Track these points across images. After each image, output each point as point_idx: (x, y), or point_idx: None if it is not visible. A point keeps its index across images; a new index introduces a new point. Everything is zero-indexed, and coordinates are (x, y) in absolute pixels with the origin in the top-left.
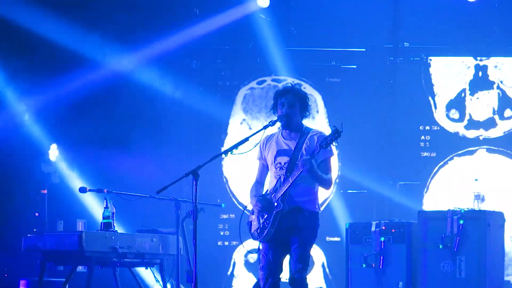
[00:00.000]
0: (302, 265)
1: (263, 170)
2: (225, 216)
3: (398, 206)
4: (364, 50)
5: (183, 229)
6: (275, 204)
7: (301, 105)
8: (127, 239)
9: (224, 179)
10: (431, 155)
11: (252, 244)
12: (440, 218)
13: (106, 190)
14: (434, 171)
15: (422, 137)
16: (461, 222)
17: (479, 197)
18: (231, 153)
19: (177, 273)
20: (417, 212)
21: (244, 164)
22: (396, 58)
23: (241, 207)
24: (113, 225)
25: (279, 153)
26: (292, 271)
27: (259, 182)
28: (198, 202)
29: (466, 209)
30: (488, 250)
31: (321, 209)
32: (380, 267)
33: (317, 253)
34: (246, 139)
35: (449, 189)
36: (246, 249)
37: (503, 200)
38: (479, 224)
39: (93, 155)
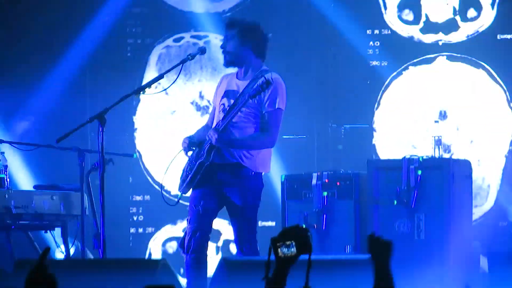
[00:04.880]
0: (249, 230)
1: (214, 113)
2: (138, 198)
3: (344, 153)
4: None
5: (88, 185)
6: (201, 152)
7: (244, 36)
8: (22, 197)
9: (137, 154)
10: (382, 64)
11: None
12: (394, 168)
13: None
14: (386, 83)
15: (371, 43)
16: (419, 172)
17: (440, 142)
18: (143, 93)
19: (82, 237)
20: (366, 161)
21: (161, 137)
22: None
23: (157, 187)
24: (6, 180)
25: (226, 93)
26: (237, 237)
27: (206, 125)
28: (106, 151)
29: (425, 157)
30: (452, 206)
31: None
32: (323, 227)
33: None
34: (161, 76)
35: (403, 105)
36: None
37: (467, 117)
38: (441, 175)
39: None
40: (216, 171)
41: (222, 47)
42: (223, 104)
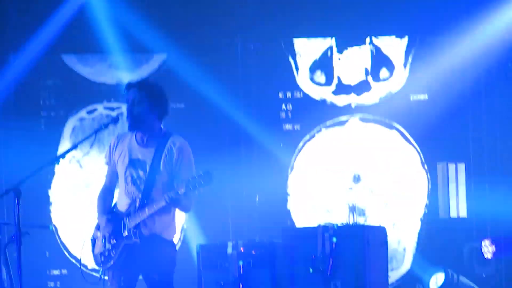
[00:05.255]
0: None
1: (113, 176)
2: (56, 272)
3: (259, 221)
4: None
5: (6, 257)
6: (126, 233)
7: (153, 101)
8: None
9: (54, 229)
10: (295, 127)
11: None
12: (309, 236)
13: None
14: (300, 146)
15: (284, 106)
16: (335, 240)
17: (354, 209)
18: (57, 163)
19: None
20: (281, 229)
21: (77, 210)
22: None
23: (75, 262)
24: None
25: (132, 164)
26: None
27: (109, 190)
28: (22, 224)
29: (340, 224)
30: (368, 274)
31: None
32: None
33: None
34: (74, 147)
35: (317, 169)
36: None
37: (381, 180)
38: (356, 242)
39: None
40: (137, 247)
41: (128, 110)
42: (132, 177)
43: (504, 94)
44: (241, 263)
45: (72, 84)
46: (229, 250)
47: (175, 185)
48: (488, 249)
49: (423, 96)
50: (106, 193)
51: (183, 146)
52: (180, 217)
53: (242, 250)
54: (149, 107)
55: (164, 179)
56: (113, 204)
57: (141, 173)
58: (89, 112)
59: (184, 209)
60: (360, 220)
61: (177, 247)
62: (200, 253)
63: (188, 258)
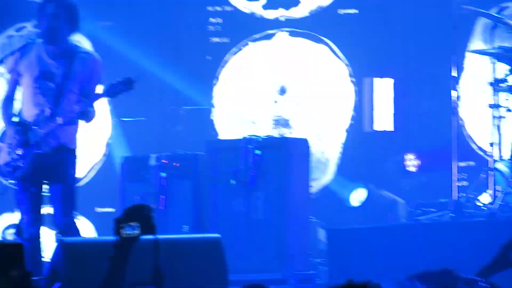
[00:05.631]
0: (70, 207)
1: (15, 85)
2: None
3: (183, 134)
4: None
5: None
6: (34, 143)
7: (68, 16)
8: None
9: None
10: (223, 41)
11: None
12: (232, 148)
13: None
14: (226, 59)
15: (212, 19)
16: (258, 152)
17: (279, 122)
18: None
19: None
20: (205, 142)
21: None
22: None
23: None
24: None
25: (43, 75)
26: (61, 216)
27: (11, 98)
28: None
29: (264, 137)
30: (291, 186)
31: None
32: (162, 207)
33: (86, 228)
34: (1, 62)
35: (242, 81)
36: None
37: (307, 93)
38: (279, 155)
39: None
40: (45, 156)
41: (45, 24)
42: (40, 88)
43: (432, 10)
44: (163, 174)
45: (1, 2)
46: (152, 162)
47: (85, 97)
48: (411, 162)
49: (353, 11)
50: (9, 102)
51: (93, 59)
52: (105, 132)
53: (165, 162)
54: (64, 22)
55: (74, 90)
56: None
57: (51, 84)
58: (18, 30)
59: (89, 120)
60: (285, 132)
61: (102, 161)
62: (123, 165)
63: (111, 170)
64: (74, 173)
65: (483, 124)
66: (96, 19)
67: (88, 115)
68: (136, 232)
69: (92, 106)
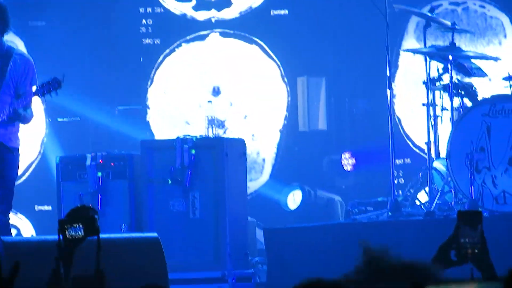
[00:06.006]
0: (6, 206)
1: None
2: None
3: (118, 134)
4: None
5: None
6: None
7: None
8: None
9: None
10: (155, 42)
11: None
12: (167, 148)
13: None
14: (159, 60)
15: (144, 21)
16: (193, 152)
17: (213, 122)
18: None
19: None
20: (140, 142)
21: None
22: None
23: None
24: None
25: None
26: None
27: None
28: None
29: (198, 137)
30: (226, 185)
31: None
32: (99, 207)
33: (25, 226)
34: None
35: (177, 82)
36: None
37: (241, 93)
38: (214, 154)
39: None
40: None
41: None
42: None
43: (364, 9)
44: (99, 174)
45: None
46: (88, 161)
47: (20, 99)
48: (348, 161)
49: (283, 11)
50: None
51: (27, 60)
52: (40, 131)
53: (101, 162)
54: None
55: (9, 91)
56: None
57: None
58: None
59: (26, 122)
60: (219, 132)
61: (37, 160)
62: (59, 164)
63: (47, 170)
64: (13, 172)
65: (419, 122)
66: (28, 19)
67: (25, 117)
68: (80, 233)
69: (28, 108)
